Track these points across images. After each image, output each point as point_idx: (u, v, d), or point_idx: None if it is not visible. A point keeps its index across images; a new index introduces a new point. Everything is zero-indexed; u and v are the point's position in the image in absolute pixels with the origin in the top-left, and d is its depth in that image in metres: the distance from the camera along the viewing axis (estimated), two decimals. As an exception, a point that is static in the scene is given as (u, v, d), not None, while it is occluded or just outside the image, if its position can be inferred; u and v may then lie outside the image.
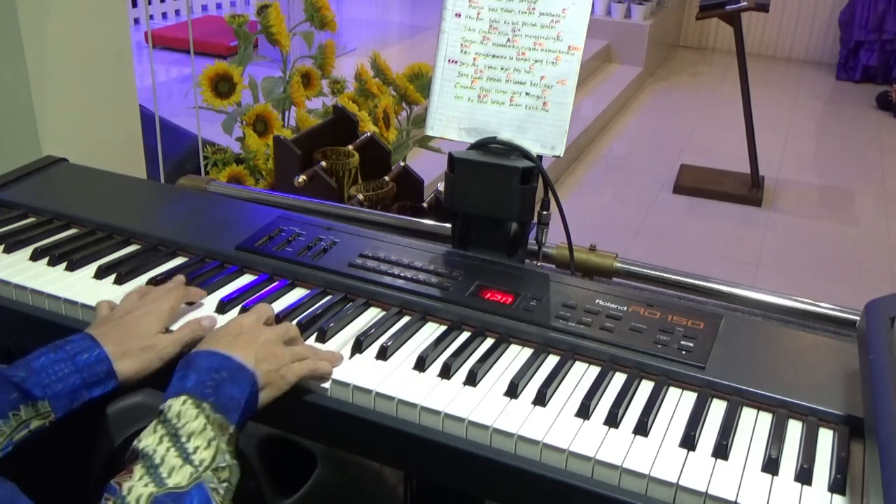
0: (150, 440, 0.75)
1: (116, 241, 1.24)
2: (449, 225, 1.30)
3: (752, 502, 0.81)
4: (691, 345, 1.01)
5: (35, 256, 1.19)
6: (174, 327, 1.02)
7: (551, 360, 1.01)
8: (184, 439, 0.76)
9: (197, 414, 0.78)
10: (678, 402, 0.95)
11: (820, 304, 1.22)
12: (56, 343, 0.94)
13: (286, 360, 0.93)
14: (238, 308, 1.08)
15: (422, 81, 2.59)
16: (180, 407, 0.78)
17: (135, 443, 0.75)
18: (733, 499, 0.81)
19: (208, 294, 1.11)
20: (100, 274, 1.15)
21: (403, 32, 5.81)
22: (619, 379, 0.98)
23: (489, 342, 1.04)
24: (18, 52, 1.79)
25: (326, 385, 0.96)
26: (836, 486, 0.83)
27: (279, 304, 1.10)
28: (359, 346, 1.01)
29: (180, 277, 1.12)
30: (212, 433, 0.77)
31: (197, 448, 0.76)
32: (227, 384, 0.84)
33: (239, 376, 0.86)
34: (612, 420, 0.90)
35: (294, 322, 1.05)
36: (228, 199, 1.42)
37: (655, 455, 0.86)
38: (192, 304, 1.09)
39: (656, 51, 6.14)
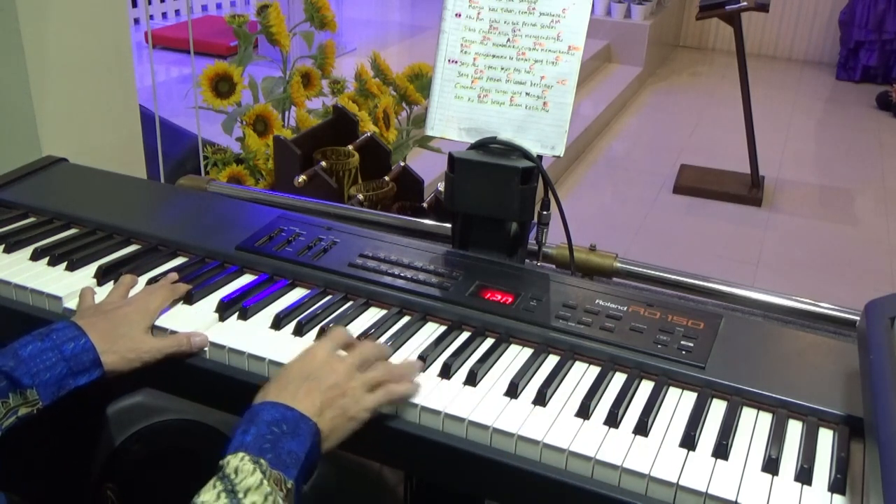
0: (207, 496, 0.76)
1: (116, 241, 1.24)
2: (449, 225, 1.30)
3: (753, 502, 0.81)
4: (691, 345, 1.01)
5: (35, 256, 1.19)
6: (163, 323, 1.04)
7: (551, 360, 1.01)
8: (241, 495, 0.75)
9: (254, 469, 0.77)
10: (678, 402, 0.95)
11: (820, 304, 1.22)
12: (41, 331, 0.95)
13: (357, 398, 0.89)
14: (238, 308, 1.08)
15: (422, 81, 2.59)
16: (238, 463, 0.77)
17: (194, 498, 0.75)
18: (733, 499, 0.81)
19: (208, 294, 1.11)
20: (100, 274, 1.15)
21: (403, 32, 5.81)
22: (619, 379, 0.98)
23: (489, 342, 1.04)
24: (18, 52, 1.79)
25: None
26: (836, 486, 0.83)
27: (279, 304, 1.10)
28: (359, 346, 1.01)
29: (172, 276, 1.13)
30: (268, 488, 0.77)
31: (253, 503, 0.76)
32: (287, 439, 0.82)
33: (300, 429, 0.83)
34: (613, 420, 0.90)
35: (294, 322, 1.05)
36: (228, 199, 1.42)
37: (655, 455, 0.86)
38: (187, 301, 1.09)
39: (656, 51, 6.14)
